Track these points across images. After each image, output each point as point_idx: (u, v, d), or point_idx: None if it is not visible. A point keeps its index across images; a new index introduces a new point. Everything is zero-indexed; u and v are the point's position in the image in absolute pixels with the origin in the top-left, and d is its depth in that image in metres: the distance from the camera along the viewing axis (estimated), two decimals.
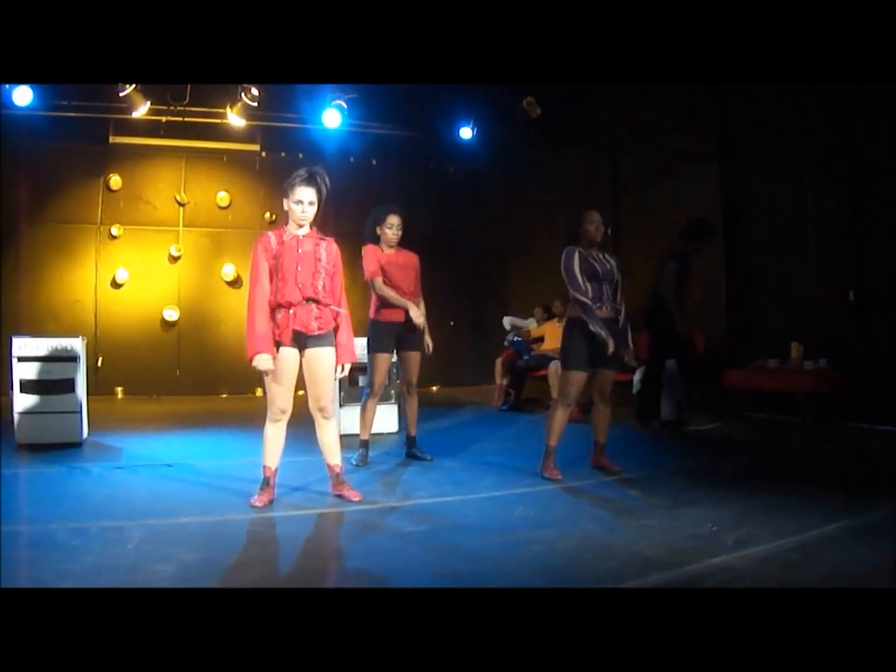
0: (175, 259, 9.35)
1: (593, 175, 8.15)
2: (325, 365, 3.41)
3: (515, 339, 7.86)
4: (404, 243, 4.64)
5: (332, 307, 3.42)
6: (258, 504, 3.34)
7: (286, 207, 3.39)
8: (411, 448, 4.73)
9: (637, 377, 6.22)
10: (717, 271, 6.54)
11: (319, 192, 3.36)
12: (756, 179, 6.32)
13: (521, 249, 9.64)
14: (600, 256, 4.08)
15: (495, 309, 10.14)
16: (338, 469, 3.55)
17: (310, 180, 3.34)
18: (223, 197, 9.56)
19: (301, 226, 3.38)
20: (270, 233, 3.41)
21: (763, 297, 6.28)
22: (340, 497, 3.52)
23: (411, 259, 4.63)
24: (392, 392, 5.87)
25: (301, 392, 3.40)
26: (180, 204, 9.38)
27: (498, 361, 7.95)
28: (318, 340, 3.37)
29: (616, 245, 7.61)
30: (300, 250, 3.34)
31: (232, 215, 9.59)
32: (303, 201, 3.33)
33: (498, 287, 10.36)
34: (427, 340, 4.65)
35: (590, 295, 3.96)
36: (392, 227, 4.51)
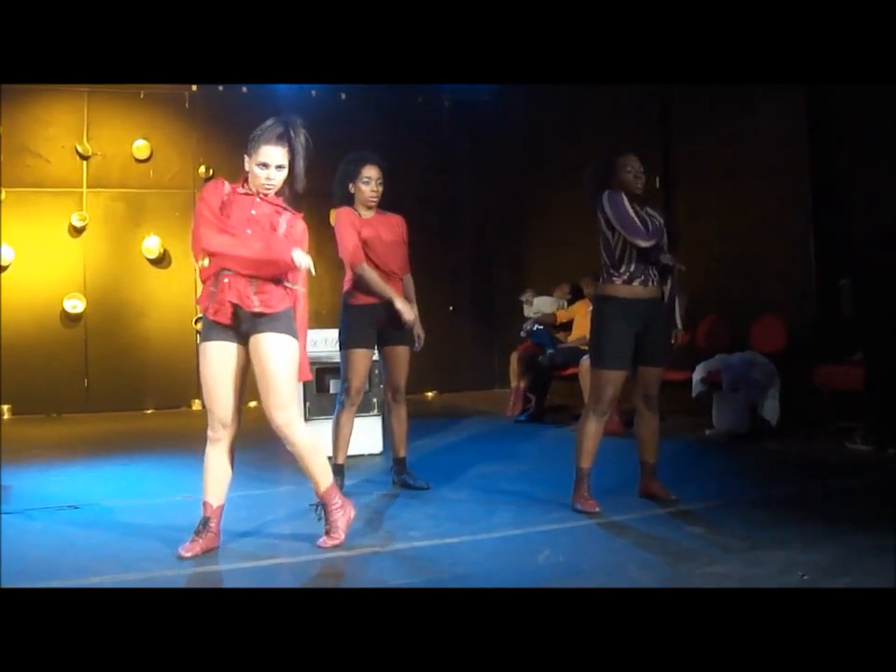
0: (78, 231, 9.33)
1: (636, 107, 8.12)
2: (271, 356, 3.34)
3: (536, 327, 7.85)
4: (385, 206, 4.66)
5: (285, 283, 3.39)
6: (187, 554, 3.34)
7: (247, 167, 3.45)
8: (400, 474, 4.74)
9: (696, 376, 6.23)
10: (803, 229, 6.55)
11: (292, 152, 3.40)
12: (857, 112, 6.29)
13: (540, 211, 9.64)
14: (646, 211, 4.08)
15: (506, 289, 10.14)
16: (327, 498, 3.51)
17: (280, 137, 3.38)
18: (141, 146, 9.54)
19: (265, 196, 3.43)
20: (224, 180, 3.47)
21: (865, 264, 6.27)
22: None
23: (395, 225, 4.64)
24: (374, 401, 5.87)
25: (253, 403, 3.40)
26: (83, 157, 9.36)
27: (514, 357, 7.98)
28: (265, 321, 3.34)
29: (667, 200, 7.61)
30: (253, 211, 3.39)
31: (155, 170, 9.58)
32: (269, 164, 3.37)
33: (511, 261, 10.37)
34: (418, 330, 4.66)
35: (632, 268, 3.98)
36: (370, 181, 4.51)
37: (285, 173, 3.41)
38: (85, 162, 9.37)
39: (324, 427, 5.03)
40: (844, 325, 5.92)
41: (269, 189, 3.40)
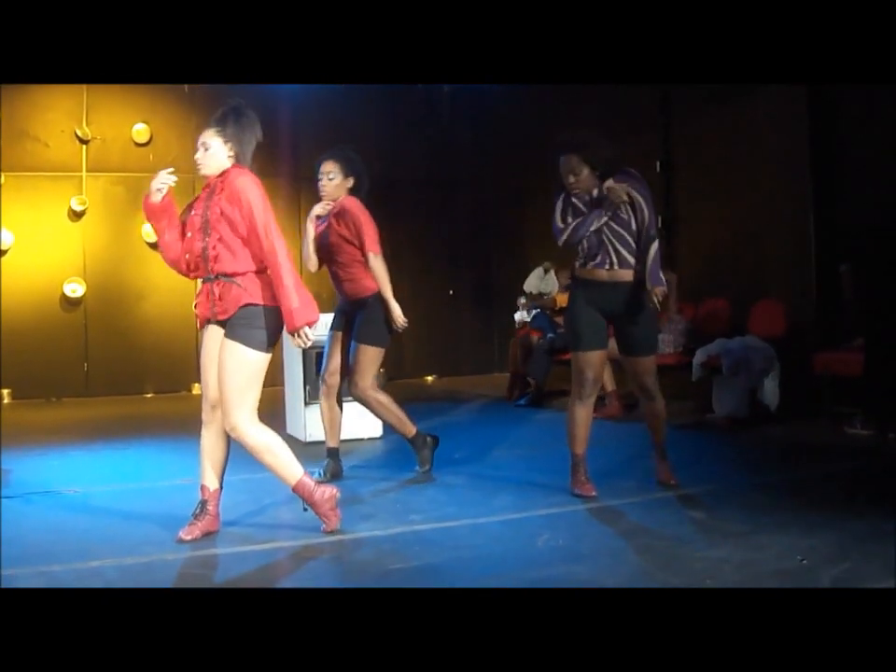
0: (77, 216, 9.30)
1: (637, 93, 8.07)
2: (223, 358, 3.34)
3: (535, 311, 7.85)
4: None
5: (236, 281, 3.34)
6: (186, 537, 3.36)
7: None
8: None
9: (696, 360, 6.21)
10: (803, 214, 6.52)
11: (223, 133, 3.41)
12: (857, 100, 6.25)
13: (540, 195, 9.55)
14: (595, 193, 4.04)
15: (506, 274, 10.12)
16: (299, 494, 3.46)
17: (217, 119, 3.44)
18: (141, 130, 9.50)
19: (204, 176, 3.49)
20: None
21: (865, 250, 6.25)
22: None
23: (338, 207, 4.53)
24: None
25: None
26: (82, 142, 9.31)
27: (513, 341, 7.96)
28: (227, 326, 3.38)
29: (667, 184, 7.58)
30: (193, 211, 3.53)
31: (154, 154, 9.53)
32: (203, 142, 3.44)
33: (510, 246, 10.32)
34: (396, 311, 4.53)
35: (587, 251, 4.01)
36: (322, 177, 4.56)
37: (212, 152, 3.42)
38: (84, 146, 9.33)
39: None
40: (844, 310, 5.91)
41: (199, 168, 3.46)
